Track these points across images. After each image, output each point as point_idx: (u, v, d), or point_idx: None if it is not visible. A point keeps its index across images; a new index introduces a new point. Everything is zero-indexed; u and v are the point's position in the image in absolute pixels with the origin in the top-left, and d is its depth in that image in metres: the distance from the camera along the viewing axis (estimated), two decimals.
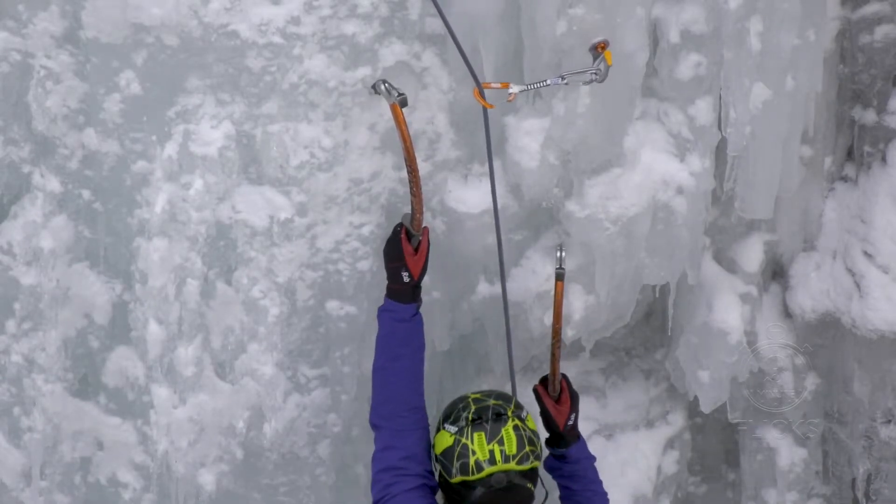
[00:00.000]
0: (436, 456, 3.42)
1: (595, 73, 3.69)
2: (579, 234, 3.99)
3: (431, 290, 4.03)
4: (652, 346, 4.87)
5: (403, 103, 3.52)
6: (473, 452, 3.28)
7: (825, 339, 4.83)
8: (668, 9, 3.90)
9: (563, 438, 3.72)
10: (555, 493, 3.77)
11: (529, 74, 3.78)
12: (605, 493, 3.73)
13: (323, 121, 3.72)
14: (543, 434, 3.72)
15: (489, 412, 3.35)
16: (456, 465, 3.32)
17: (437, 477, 3.45)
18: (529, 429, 3.37)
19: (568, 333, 4.11)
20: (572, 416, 3.75)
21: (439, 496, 3.47)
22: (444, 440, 3.38)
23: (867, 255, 4.63)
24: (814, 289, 4.78)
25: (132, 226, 3.81)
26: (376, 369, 3.60)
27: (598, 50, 3.70)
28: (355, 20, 3.66)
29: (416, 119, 3.83)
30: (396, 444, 3.48)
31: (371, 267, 3.89)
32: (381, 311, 3.64)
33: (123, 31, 3.59)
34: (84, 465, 4.10)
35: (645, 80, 3.94)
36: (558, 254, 3.67)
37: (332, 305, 3.94)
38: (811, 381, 4.91)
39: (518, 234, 4.07)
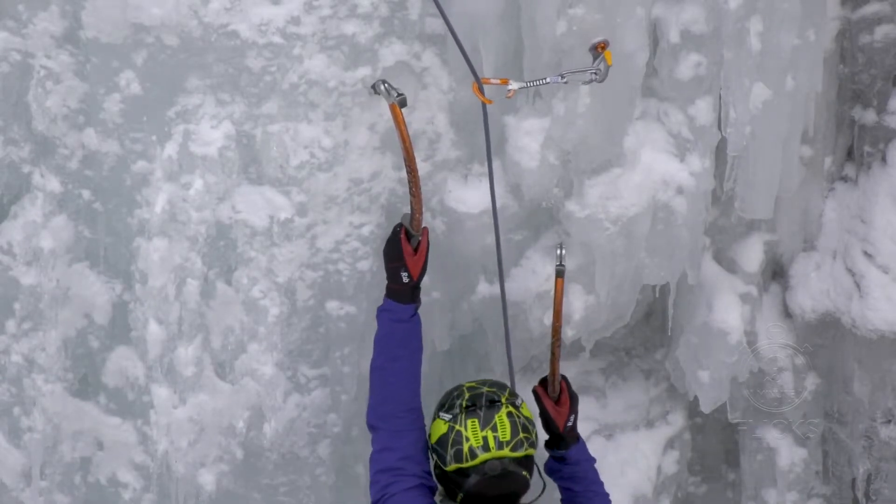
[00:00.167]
0: (431, 445, 3.42)
1: (595, 73, 3.69)
2: (579, 234, 3.99)
3: (431, 290, 4.03)
4: (652, 346, 4.86)
5: (403, 103, 3.52)
6: (467, 439, 3.28)
7: (825, 339, 4.83)
8: (668, 9, 3.90)
9: (563, 440, 3.71)
10: (555, 494, 3.77)
11: (529, 74, 3.78)
12: (607, 495, 3.73)
13: (323, 121, 3.72)
14: (543, 436, 3.72)
15: (483, 399, 3.35)
16: (450, 452, 3.32)
17: (433, 468, 3.45)
18: (524, 416, 3.37)
19: (568, 333, 4.11)
20: (571, 418, 3.74)
21: (439, 494, 3.47)
22: (438, 428, 3.39)
23: (867, 255, 4.63)
24: (814, 289, 4.78)
25: (132, 226, 3.81)
26: (374, 369, 3.61)
27: (598, 50, 3.70)
28: (355, 20, 3.66)
29: (416, 119, 3.83)
30: (394, 445, 3.49)
31: (371, 267, 3.89)
32: (380, 311, 3.64)
33: (123, 31, 3.59)
34: (84, 465, 4.10)
35: (645, 80, 3.94)
36: (558, 251, 3.67)
37: (332, 305, 3.94)
38: (811, 381, 4.91)
39: (518, 234, 4.07)
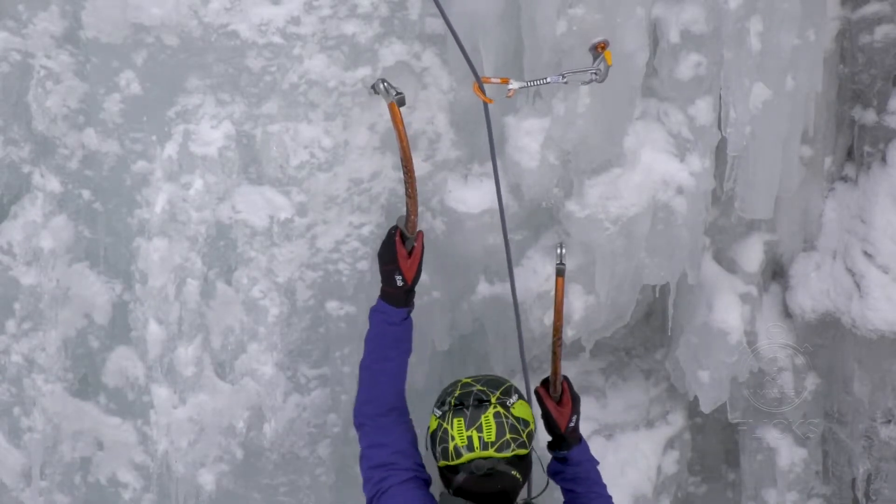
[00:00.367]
0: (426, 438, 3.43)
1: (595, 73, 3.69)
2: (579, 234, 3.99)
3: (431, 290, 4.03)
4: (652, 346, 4.87)
5: (401, 102, 3.51)
6: (452, 438, 3.29)
7: (825, 339, 4.83)
8: (668, 9, 3.90)
9: (565, 440, 3.71)
10: (556, 493, 3.77)
11: (529, 74, 3.78)
12: (610, 497, 3.71)
13: (323, 121, 3.72)
14: (545, 437, 3.72)
15: (471, 398, 3.34)
16: (438, 449, 3.33)
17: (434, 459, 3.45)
18: (513, 416, 3.35)
19: (568, 333, 4.11)
20: (573, 418, 3.74)
21: (436, 484, 3.46)
22: (431, 423, 3.40)
23: (867, 255, 4.63)
24: (814, 289, 4.78)
25: (132, 226, 3.81)
26: (363, 368, 3.62)
27: (598, 50, 3.70)
28: (355, 20, 3.66)
29: (416, 119, 3.84)
30: (383, 441, 3.50)
31: (371, 267, 3.89)
32: (373, 312, 3.64)
33: (123, 31, 3.59)
34: (84, 465, 4.10)
35: (645, 80, 3.94)
36: (558, 250, 3.67)
37: (332, 305, 3.94)
38: (811, 381, 4.91)
39: (518, 234, 4.07)
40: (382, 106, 3.66)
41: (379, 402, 3.55)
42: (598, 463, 3.79)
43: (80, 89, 3.73)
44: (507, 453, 3.29)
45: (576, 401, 3.76)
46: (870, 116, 4.73)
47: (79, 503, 4.12)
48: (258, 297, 3.84)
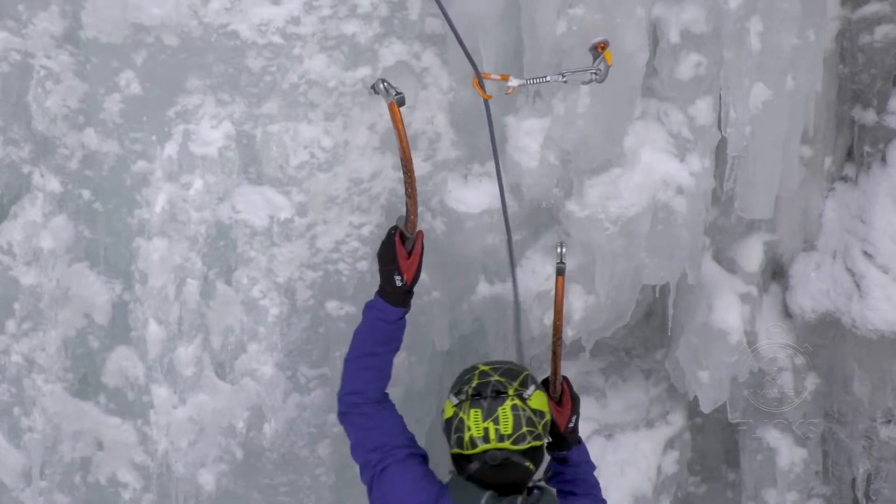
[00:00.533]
0: (442, 423, 3.41)
1: (595, 73, 3.69)
2: (579, 234, 3.99)
3: (431, 289, 4.03)
4: (652, 346, 4.87)
5: (401, 102, 3.51)
6: (469, 428, 3.27)
7: (825, 339, 4.84)
8: (668, 9, 3.90)
9: (565, 441, 3.71)
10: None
11: (529, 74, 3.78)
12: (605, 501, 3.72)
13: (323, 121, 3.72)
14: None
15: (489, 389, 3.31)
16: (453, 437, 3.31)
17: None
18: (530, 408, 3.32)
19: (568, 333, 4.11)
20: (573, 419, 3.74)
21: (436, 464, 3.44)
22: (447, 410, 3.36)
23: (867, 255, 4.63)
24: (814, 289, 4.78)
25: (132, 226, 3.81)
26: (348, 360, 3.60)
27: (598, 50, 3.70)
28: (355, 20, 3.66)
29: (416, 119, 3.84)
30: (371, 424, 3.50)
31: (371, 267, 3.89)
32: (368, 307, 3.63)
33: (123, 31, 3.59)
34: (84, 465, 4.10)
35: (645, 80, 3.94)
36: (559, 249, 3.67)
37: (332, 305, 3.94)
38: (811, 381, 4.91)
39: (518, 234, 4.07)
40: (382, 106, 3.66)
41: (363, 395, 3.54)
42: (594, 468, 3.78)
43: (80, 89, 3.73)
44: (523, 445, 3.27)
45: (575, 401, 3.75)
46: (870, 116, 4.74)
47: (79, 503, 4.12)
48: (258, 297, 3.84)
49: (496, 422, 3.25)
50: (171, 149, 3.70)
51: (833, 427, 5.01)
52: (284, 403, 4.00)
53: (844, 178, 4.85)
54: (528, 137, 3.88)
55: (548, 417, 3.39)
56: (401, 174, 3.64)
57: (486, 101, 3.68)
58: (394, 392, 3.77)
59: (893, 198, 4.63)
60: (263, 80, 3.66)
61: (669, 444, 4.86)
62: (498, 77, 3.68)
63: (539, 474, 3.45)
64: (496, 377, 3.35)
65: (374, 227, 3.89)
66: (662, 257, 4.13)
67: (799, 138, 4.35)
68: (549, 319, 3.97)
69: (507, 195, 3.97)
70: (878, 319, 4.59)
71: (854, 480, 5.10)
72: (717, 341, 4.50)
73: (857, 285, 4.64)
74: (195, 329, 3.84)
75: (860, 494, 5.10)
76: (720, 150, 4.15)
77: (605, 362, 4.82)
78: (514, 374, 3.38)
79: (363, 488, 4.13)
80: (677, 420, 4.89)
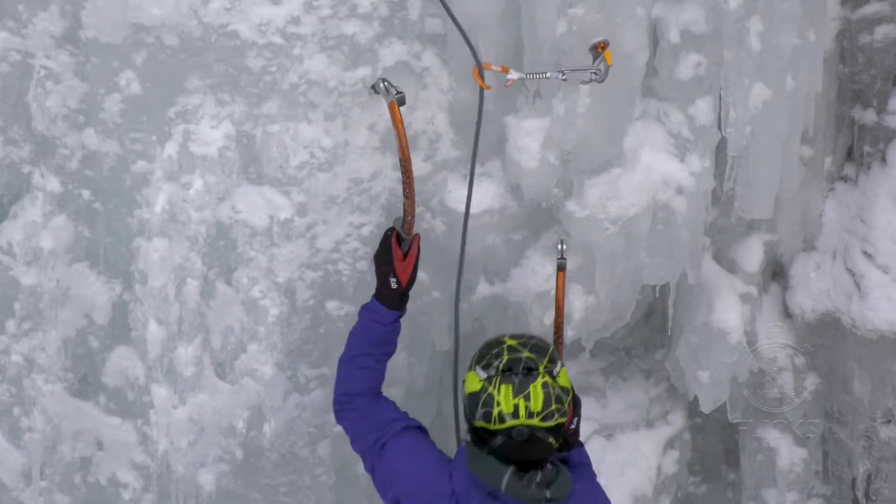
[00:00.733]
0: (464, 395, 3.37)
1: (595, 73, 3.69)
2: (579, 234, 3.99)
3: (431, 289, 4.03)
4: (652, 346, 4.87)
5: (401, 102, 3.51)
6: (498, 404, 3.22)
7: (825, 339, 4.84)
8: (668, 9, 3.90)
9: (566, 442, 3.70)
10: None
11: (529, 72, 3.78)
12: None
13: (323, 121, 3.72)
14: None
15: (520, 366, 3.25)
16: (480, 411, 3.26)
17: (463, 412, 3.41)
18: (559, 386, 3.27)
19: (568, 333, 4.11)
20: (575, 420, 3.73)
21: (465, 434, 3.41)
22: (472, 383, 3.32)
23: (867, 255, 4.63)
24: (814, 289, 4.78)
25: (132, 226, 3.81)
26: (342, 361, 3.61)
27: (598, 50, 3.70)
28: (355, 20, 3.66)
29: (416, 119, 3.84)
30: (368, 412, 3.49)
31: (370, 267, 3.89)
32: (364, 309, 3.63)
33: (123, 31, 3.59)
34: (84, 465, 4.10)
35: (645, 80, 3.94)
36: (559, 246, 3.66)
37: (332, 305, 3.94)
38: (811, 381, 4.91)
39: (518, 234, 4.07)
40: (382, 106, 3.66)
41: (358, 393, 3.54)
42: (595, 476, 3.76)
43: (80, 89, 3.73)
44: (551, 423, 3.23)
45: (577, 403, 3.75)
46: (870, 116, 4.74)
47: (79, 503, 4.12)
48: (258, 297, 3.84)
49: (527, 398, 3.20)
50: (171, 149, 3.70)
51: (833, 427, 5.01)
52: (284, 403, 4.00)
53: (844, 178, 4.85)
54: (528, 137, 3.88)
55: (572, 395, 3.37)
56: (400, 174, 3.65)
57: (481, 93, 3.67)
58: (394, 392, 3.77)
59: (893, 198, 4.63)
60: (263, 80, 3.66)
61: (669, 444, 4.86)
62: (498, 69, 3.67)
63: None
64: (526, 353, 3.29)
65: (374, 227, 3.89)
66: (662, 257, 4.13)
67: (799, 138, 4.35)
68: (549, 319, 3.97)
69: (507, 195, 3.98)
70: (878, 319, 4.59)
71: (854, 480, 5.10)
72: (717, 341, 4.50)
73: (857, 285, 4.64)
74: (195, 329, 3.84)
75: (860, 494, 5.10)
76: (720, 150, 4.15)
77: (605, 362, 4.82)
78: (542, 350, 3.33)
79: (363, 488, 4.14)
80: (677, 420, 4.89)
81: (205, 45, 3.60)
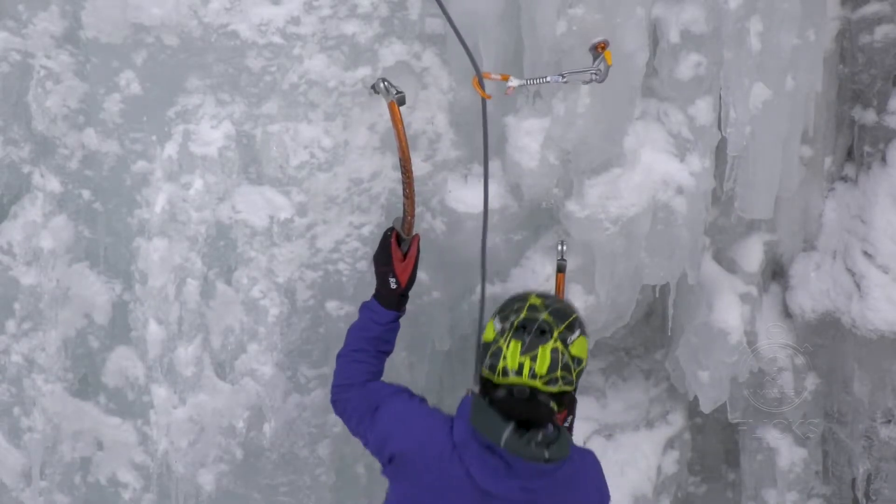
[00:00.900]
0: (480, 342, 3.38)
1: (595, 73, 3.69)
2: (579, 234, 3.99)
3: (431, 289, 4.03)
4: (652, 346, 4.87)
5: (401, 101, 3.51)
6: (505, 358, 3.21)
7: (825, 339, 4.84)
8: (668, 9, 3.90)
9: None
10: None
11: (529, 74, 3.78)
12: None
13: (323, 121, 3.72)
14: None
15: (535, 326, 3.24)
16: (488, 360, 3.27)
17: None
18: (570, 354, 3.25)
19: None
20: (569, 419, 3.73)
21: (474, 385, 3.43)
22: (488, 332, 3.33)
23: (867, 255, 4.63)
24: (814, 289, 4.78)
25: (132, 226, 3.81)
26: (341, 355, 3.61)
27: (598, 50, 3.70)
28: (355, 20, 3.66)
29: (416, 119, 3.84)
30: (364, 393, 3.49)
31: (370, 267, 3.89)
32: (364, 307, 3.64)
33: (123, 31, 3.59)
34: (84, 465, 4.10)
35: (645, 80, 3.94)
36: (559, 246, 3.65)
37: (332, 305, 3.94)
38: (811, 381, 4.91)
39: (518, 234, 4.07)
40: (382, 106, 3.66)
41: (353, 384, 3.54)
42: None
43: (80, 89, 3.73)
44: (553, 388, 3.21)
45: (572, 402, 3.75)
46: (870, 116, 4.74)
47: (79, 503, 4.12)
48: (258, 297, 3.84)
49: (533, 359, 3.19)
50: (171, 149, 3.70)
51: (833, 427, 5.01)
52: (284, 403, 4.00)
53: (844, 178, 4.85)
54: (528, 137, 3.88)
55: (584, 365, 3.33)
56: (400, 174, 3.65)
57: (483, 101, 3.68)
58: None
59: (893, 198, 4.63)
60: (263, 80, 3.66)
61: (669, 444, 4.86)
62: (498, 77, 3.68)
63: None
64: (545, 315, 3.27)
65: (374, 227, 3.89)
66: (662, 257, 4.13)
67: (799, 138, 4.35)
68: None
69: (507, 195, 3.98)
70: (878, 319, 4.59)
71: (854, 480, 5.10)
72: (717, 341, 4.50)
73: (857, 285, 4.64)
74: (195, 329, 3.84)
75: (860, 494, 5.10)
76: (720, 150, 4.15)
77: (605, 362, 4.82)
78: (563, 315, 3.30)
79: (363, 488, 4.15)
80: (677, 420, 4.89)
81: (205, 45, 3.60)
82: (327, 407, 4.03)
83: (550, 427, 3.25)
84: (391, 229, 3.65)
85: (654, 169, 4.00)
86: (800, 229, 4.78)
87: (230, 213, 3.79)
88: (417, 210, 3.69)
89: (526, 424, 3.21)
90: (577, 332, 3.29)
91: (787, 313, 4.87)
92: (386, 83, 3.55)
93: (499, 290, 4.10)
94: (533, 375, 3.18)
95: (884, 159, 4.69)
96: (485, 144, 3.77)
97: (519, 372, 3.19)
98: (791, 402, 4.86)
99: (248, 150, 3.75)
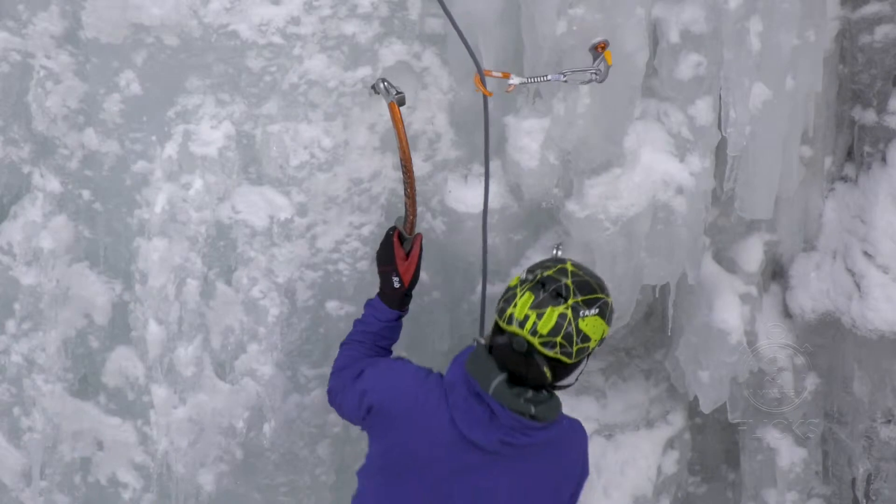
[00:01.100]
0: (505, 287, 3.38)
1: (595, 73, 3.70)
2: (579, 234, 4.00)
3: (431, 289, 4.04)
4: (652, 346, 4.87)
5: (401, 102, 3.52)
6: (514, 305, 3.22)
7: (825, 339, 4.84)
8: (668, 9, 3.90)
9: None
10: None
11: (530, 74, 3.78)
12: None
13: (323, 121, 3.72)
14: None
15: (554, 287, 3.22)
16: (500, 303, 3.28)
17: None
18: (577, 326, 3.19)
19: None
20: None
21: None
22: (514, 279, 3.33)
23: (867, 255, 4.63)
24: (814, 289, 4.78)
25: (132, 226, 3.81)
26: (342, 343, 3.65)
27: (598, 50, 3.70)
28: (355, 20, 3.67)
29: (416, 119, 3.84)
30: (356, 364, 3.51)
31: (371, 267, 3.89)
32: (368, 303, 3.67)
33: (123, 31, 3.59)
34: (84, 465, 4.10)
35: (645, 80, 3.94)
36: (555, 251, 3.65)
37: (332, 305, 3.94)
38: (811, 381, 4.91)
39: (518, 234, 4.07)
40: (382, 106, 3.66)
41: (347, 367, 3.56)
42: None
43: (80, 89, 3.72)
44: (548, 352, 3.19)
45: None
46: (870, 116, 4.73)
47: (79, 503, 4.12)
48: (258, 298, 3.84)
49: (539, 316, 3.18)
50: (171, 149, 3.70)
51: (833, 427, 5.01)
52: (284, 403, 4.00)
53: (844, 178, 4.85)
54: (528, 137, 3.88)
55: (591, 345, 3.26)
56: (401, 174, 3.65)
57: (484, 99, 3.68)
58: None
59: (893, 198, 4.63)
60: (263, 81, 3.66)
61: (669, 444, 4.86)
62: (499, 74, 3.68)
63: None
64: (568, 281, 3.24)
65: (374, 227, 3.89)
66: (662, 257, 4.13)
67: (799, 138, 4.35)
68: None
69: (507, 195, 3.98)
70: (878, 319, 4.59)
71: (854, 480, 5.10)
72: (717, 341, 4.50)
73: (857, 285, 4.64)
74: (195, 329, 3.84)
75: (860, 494, 5.10)
76: (720, 150, 4.15)
77: (605, 362, 4.81)
78: (586, 289, 3.26)
79: None
80: (677, 420, 4.89)
81: (205, 45, 3.60)
82: (327, 407, 4.03)
83: (545, 392, 3.24)
84: (393, 228, 3.65)
85: (654, 169, 4.00)
86: (800, 229, 4.78)
87: (230, 214, 3.79)
88: (417, 210, 3.70)
89: (519, 381, 3.21)
90: (595, 311, 3.24)
91: (787, 313, 4.87)
92: (386, 83, 3.55)
93: (499, 290, 4.09)
94: (534, 332, 3.18)
95: (884, 159, 4.69)
96: (486, 142, 3.77)
97: (522, 324, 3.19)
98: (791, 402, 4.86)
99: (248, 150, 3.75)
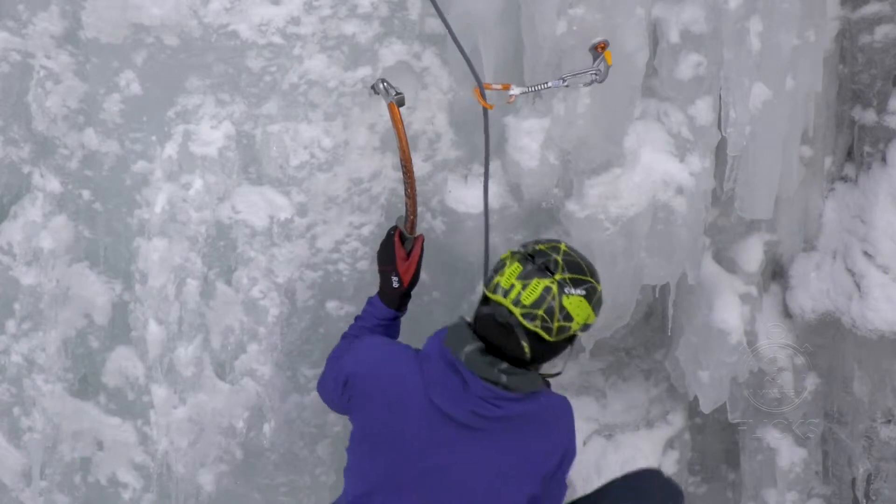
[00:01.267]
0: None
1: (595, 74, 3.70)
2: (579, 235, 3.99)
3: (432, 289, 4.04)
4: (652, 346, 4.86)
5: (401, 102, 3.52)
6: (501, 275, 3.24)
7: (825, 339, 4.83)
8: (668, 9, 3.90)
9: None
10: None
11: (529, 74, 3.78)
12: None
13: (323, 121, 3.72)
14: None
15: (543, 261, 3.24)
16: (490, 272, 3.32)
17: None
18: (560, 302, 3.19)
19: None
20: None
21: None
22: (506, 253, 3.35)
23: (867, 255, 4.63)
24: (814, 289, 4.77)
25: (132, 226, 3.81)
26: (343, 336, 3.68)
27: (598, 50, 3.70)
28: (355, 20, 3.67)
29: (416, 119, 3.84)
30: (343, 357, 3.53)
31: (371, 267, 3.89)
32: (368, 301, 3.69)
33: (123, 31, 3.59)
34: (84, 465, 4.10)
35: (645, 80, 3.94)
36: None
37: (332, 305, 3.94)
38: (811, 381, 4.90)
39: (518, 234, 4.07)
40: (382, 106, 3.66)
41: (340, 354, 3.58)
42: (567, 487, 3.72)
43: (80, 89, 3.72)
44: (529, 324, 3.19)
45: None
46: (870, 116, 4.73)
47: (79, 503, 4.12)
48: (258, 298, 3.84)
49: (524, 287, 3.19)
50: (171, 149, 3.70)
51: (833, 427, 5.01)
52: (284, 403, 4.00)
53: (844, 178, 4.84)
54: (528, 137, 3.88)
55: (573, 327, 3.25)
56: (401, 174, 3.65)
57: (485, 111, 3.69)
58: None
59: (893, 198, 4.62)
60: (263, 81, 3.66)
61: (669, 444, 4.85)
62: (499, 87, 3.69)
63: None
64: (558, 258, 3.26)
65: (374, 227, 3.89)
66: (662, 257, 4.13)
67: (799, 138, 4.34)
68: None
69: (507, 195, 3.98)
70: (878, 319, 4.58)
71: (854, 480, 5.09)
72: (717, 341, 4.50)
73: (857, 285, 4.63)
74: (195, 329, 3.84)
75: (860, 494, 5.09)
76: (720, 150, 4.14)
77: (605, 362, 4.81)
78: (576, 269, 3.27)
79: None
80: (677, 420, 4.88)
81: (205, 45, 3.60)
82: (327, 407, 4.04)
83: (524, 370, 3.23)
84: (394, 228, 3.66)
85: (654, 169, 4.00)
86: (800, 229, 4.78)
87: (230, 214, 3.79)
88: (418, 210, 3.70)
89: (496, 351, 3.20)
90: (580, 292, 3.24)
91: (787, 313, 4.87)
92: (385, 84, 3.55)
93: None
94: (516, 302, 3.18)
95: (884, 159, 4.69)
96: (486, 152, 3.78)
97: (506, 293, 3.20)
98: (791, 402, 4.85)
99: (248, 150, 3.75)
